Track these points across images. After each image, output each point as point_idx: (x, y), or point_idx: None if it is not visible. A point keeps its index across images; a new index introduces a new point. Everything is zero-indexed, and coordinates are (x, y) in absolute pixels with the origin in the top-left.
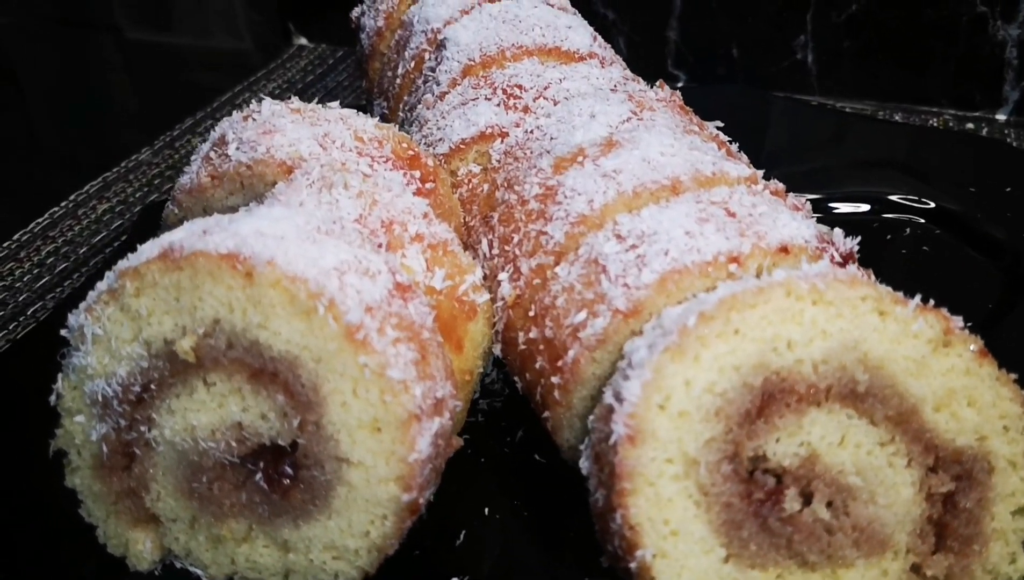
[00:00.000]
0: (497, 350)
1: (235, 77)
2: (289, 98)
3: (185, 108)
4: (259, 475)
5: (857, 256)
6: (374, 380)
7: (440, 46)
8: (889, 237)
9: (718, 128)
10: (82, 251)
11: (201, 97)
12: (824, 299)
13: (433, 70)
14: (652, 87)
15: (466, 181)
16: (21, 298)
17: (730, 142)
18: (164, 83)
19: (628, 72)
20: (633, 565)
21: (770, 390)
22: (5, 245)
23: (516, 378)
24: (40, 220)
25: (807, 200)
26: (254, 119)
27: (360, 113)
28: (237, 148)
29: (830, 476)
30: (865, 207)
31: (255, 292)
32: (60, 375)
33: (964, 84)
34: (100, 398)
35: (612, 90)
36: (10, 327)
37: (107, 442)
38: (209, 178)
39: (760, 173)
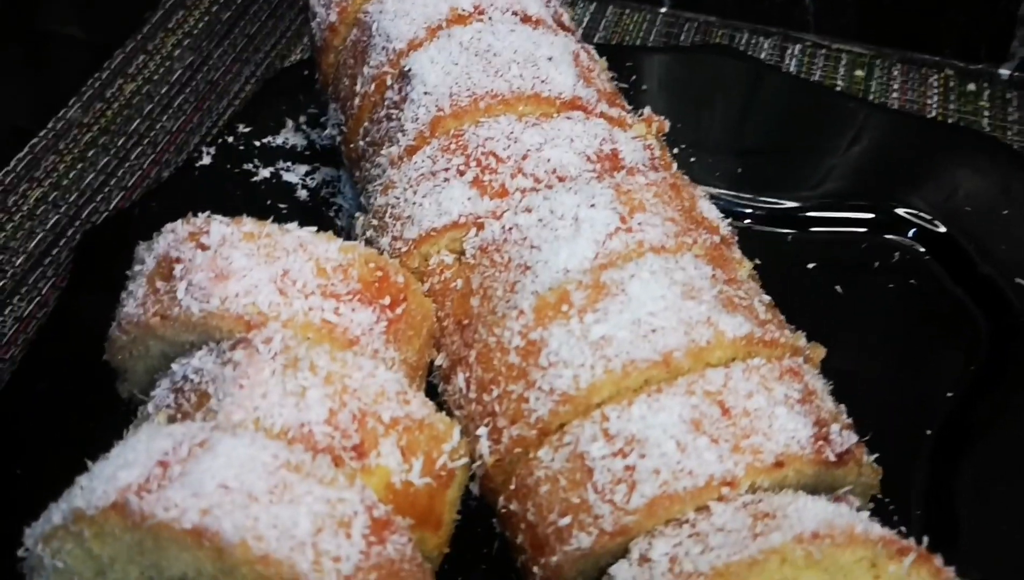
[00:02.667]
0: (474, 488)
1: None
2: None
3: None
4: None
5: (853, 450)
6: None
7: (405, 77)
8: (877, 265)
9: (707, 196)
10: (19, 262)
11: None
12: (819, 565)
13: (397, 105)
14: (638, 114)
15: (438, 271)
16: None
17: (723, 217)
18: None
19: (613, 109)
20: None
21: None
22: None
23: (495, 521)
24: None
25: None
26: (203, 247)
27: (320, 234)
28: (186, 291)
29: None
30: (862, 222)
31: (226, 566)
32: None
33: (971, 36)
34: None
35: (594, 164)
36: None
37: None
38: (158, 318)
39: (749, 297)
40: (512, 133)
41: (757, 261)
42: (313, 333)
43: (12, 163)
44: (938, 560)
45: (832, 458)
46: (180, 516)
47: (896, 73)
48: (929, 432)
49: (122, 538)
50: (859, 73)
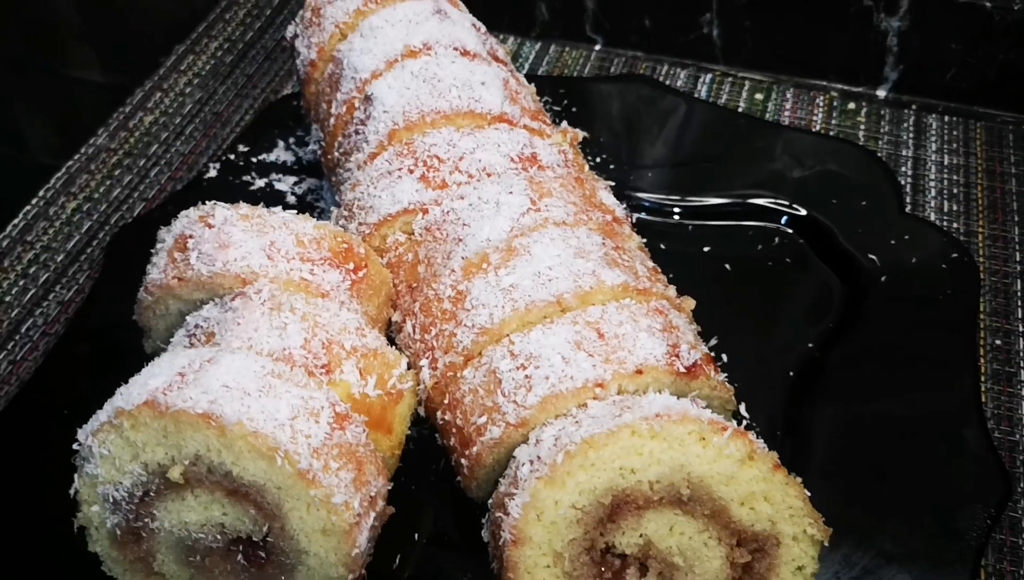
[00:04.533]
0: (422, 411)
1: (178, 25)
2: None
3: (131, 38)
4: (240, 555)
5: (700, 361)
6: (322, 505)
7: (368, 100)
8: (760, 247)
9: (609, 187)
10: (59, 258)
11: (149, 52)
12: (659, 435)
13: (363, 123)
14: (557, 125)
15: (394, 248)
16: (13, 314)
17: (620, 205)
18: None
19: (536, 123)
20: None
21: (617, 502)
22: None
23: (436, 434)
24: (16, 221)
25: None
26: (210, 226)
27: (299, 215)
28: (198, 257)
29: (661, 556)
30: (742, 214)
31: (227, 441)
32: (76, 475)
33: (850, 63)
34: (110, 498)
35: (515, 163)
36: (9, 347)
37: (119, 527)
38: (176, 280)
39: (631, 261)
40: (451, 141)
41: (662, 245)
42: (293, 287)
43: (51, 181)
44: (758, 443)
45: (682, 369)
46: (194, 405)
47: (789, 95)
48: (791, 374)
49: (152, 425)
50: (759, 96)
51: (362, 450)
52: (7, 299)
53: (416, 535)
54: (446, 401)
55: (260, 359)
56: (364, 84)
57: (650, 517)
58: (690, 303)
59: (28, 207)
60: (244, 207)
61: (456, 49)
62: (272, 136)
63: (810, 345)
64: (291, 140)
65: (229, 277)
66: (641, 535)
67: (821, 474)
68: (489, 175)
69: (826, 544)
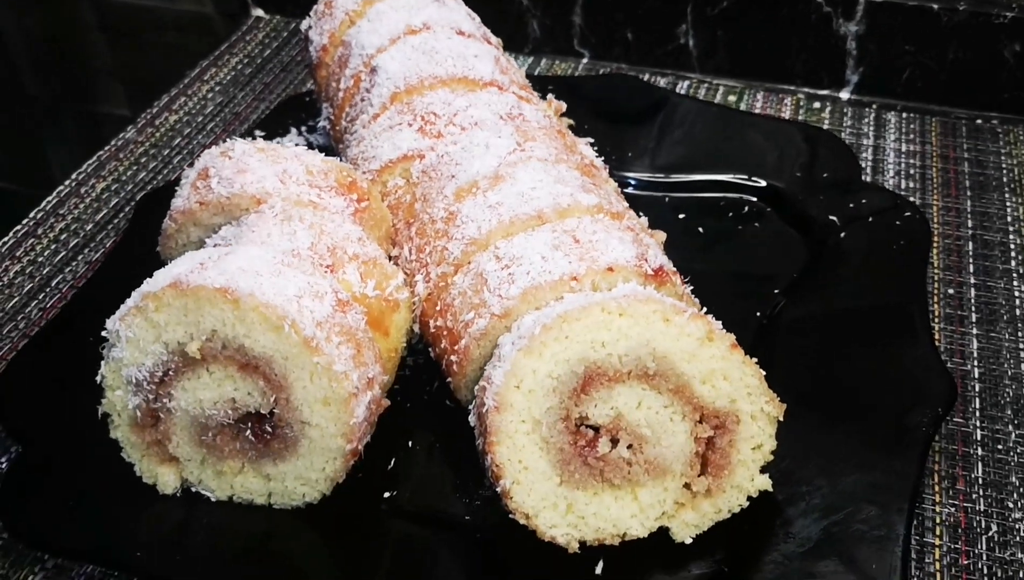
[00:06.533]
0: (416, 328)
1: (201, 43)
2: (254, 138)
3: (159, 76)
4: (248, 431)
5: (667, 266)
6: (324, 372)
7: (373, 71)
8: (731, 214)
9: (589, 144)
10: (88, 228)
11: (172, 65)
12: (627, 312)
13: (368, 91)
14: (545, 98)
15: (394, 191)
16: (45, 271)
17: (597, 155)
18: (138, 44)
19: (523, 92)
20: (499, 489)
21: (590, 374)
22: (24, 222)
23: (429, 349)
24: (50, 198)
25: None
26: (230, 157)
27: (309, 149)
28: (218, 182)
29: (630, 428)
30: (715, 188)
31: (240, 314)
32: (103, 362)
33: (814, 68)
34: (133, 380)
35: (504, 120)
36: (40, 297)
37: (139, 409)
38: (198, 205)
39: (607, 194)
40: (447, 100)
41: (640, 213)
42: (302, 206)
43: (83, 166)
44: (716, 325)
45: (649, 271)
46: (212, 281)
47: (759, 98)
48: (759, 314)
49: (174, 305)
50: (732, 98)
51: (361, 334)
52: (39, 260)
53: (410, 443)
54: (438, 308)
55: (272, 251)
56: (370, 59)
57: (620, 391)
58: (661, 236)
59: (60, 188)
60: (260, 142)
61: (453, 28)
62: (286, 124)
63: (776, 291)
64: (303, 128)
65: (246, 197)
66: (612, 407)
67: (781, 388)
68: (480, 127)
69: (781, 420)
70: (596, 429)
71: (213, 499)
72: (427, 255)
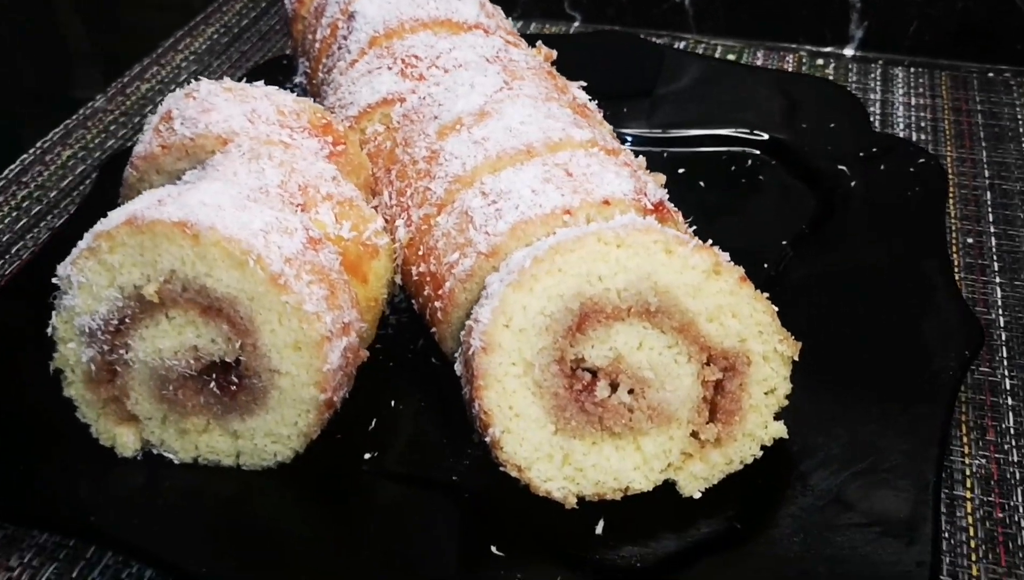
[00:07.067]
0: (398, 279)
1: (177, 15)
2: (222, 78)
3: (131, 49)
4: (212, 383)
5: (667, 203)
6: (294, 313)
7: (351, 17)
8: (733, 168)
9: (582, 87)
10: (52, 194)
11: (146, 37)
12: (625, 243)
13: (345, 38)
14: (533, 46)
15: (373, 138)
16: (4, 238)
17: (591, 99)
18: (111, 20)
19: (511, 37)
20: (488, 439)
21: (586, 311)
22: None
23: (412, 301)
24: (12, 167)
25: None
26: (194, 98)
27: (280, 89)
28: (181, 123)
29: (631, 371)
30: (715, 142)
31: (201, 250)
32: (54, 313)
33: (816, 24)
34: (87, 330)
35: (490, 61)
36: None
37: (94, 363)
38: (160, 148)
39: (602, 133)
40: (429, 43)
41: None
42: (272, 146)
43: (49, 134)
44: (723, 256)
45: (649, 205)
46: (170, 215)
47: (759, 57)
48: (766, 266)
49: (129, 243)
50: (731, 58)
51: (335, 276)
52: None
53: (393, 402)
54: (420, 252)
55: (238, 186)
56: (347, 5)
57: (619, 330)
58: (660, 178)
59: (24, 156)
60: (227, 81)
61: None
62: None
63: (784, 242)
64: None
65: (211, 138)
66: (611, 348)
67: (799, 334)
68: (465, 68)
69: (796, 360)
70: (594, 372)
71: (176, 461)
72: (408, 198)
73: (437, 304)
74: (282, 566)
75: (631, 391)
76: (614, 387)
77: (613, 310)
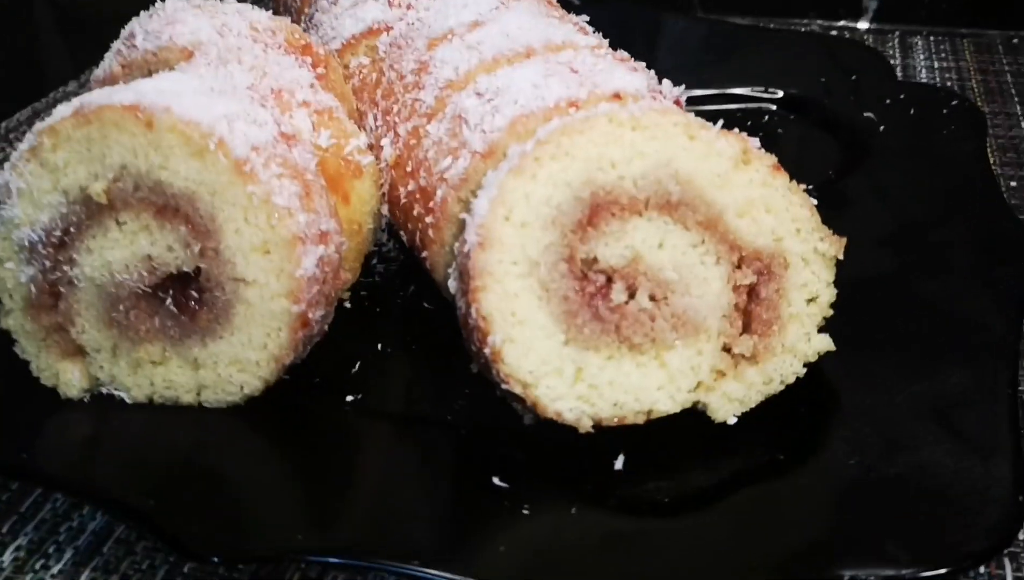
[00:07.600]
0: (385, 210)
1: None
2: None
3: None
4: (169, 301)
5: (684, 105)
6: (261, 207)
7: None
8: (750, 124)
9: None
10: None
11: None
12: (641, 125)
13: None
14: None
15: (357, 72)
16: None
17: (594, 32)
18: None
19: None
20: (487, 351)
21: (598, 202)
22: None
23: (401, 231)
24: None
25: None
26: (159, 14)
27: (255, 7)
28: (143, 39)
29: (651, 273)
30: (730, 101)
31: (155, 137)
32: None
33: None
34: (27, 244)
35: None
36: None
37: (35, 284)
38: (119, 67)
39: (607, 43)
40: None
41: None
42: (243, 52)
43: (15, 115)
44: (753, 142)
45: (667, 102)
46: (120, 101)
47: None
48: None
49: (75, 137)
50: None
51: (311, 177)
52: None
53: (380, 345)
54: (409, 168)
55: (202, 79)
56: None
57: (637, 225)
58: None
59: None
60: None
61: None
62: None
63: (809, 187)
64: None
65: (175, 50)
66: (627, 246)
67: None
68: None
69: (840, 258)
70: (609, 275)
71: (129, 401)
72: (395, 115)
73: (428, 220)
74: (254, 506)
75: (652, 297)
76: (632, 292)
77: (629, 202)
